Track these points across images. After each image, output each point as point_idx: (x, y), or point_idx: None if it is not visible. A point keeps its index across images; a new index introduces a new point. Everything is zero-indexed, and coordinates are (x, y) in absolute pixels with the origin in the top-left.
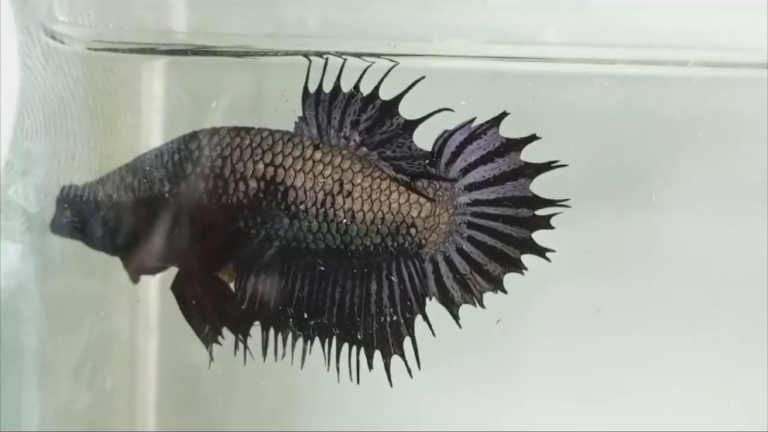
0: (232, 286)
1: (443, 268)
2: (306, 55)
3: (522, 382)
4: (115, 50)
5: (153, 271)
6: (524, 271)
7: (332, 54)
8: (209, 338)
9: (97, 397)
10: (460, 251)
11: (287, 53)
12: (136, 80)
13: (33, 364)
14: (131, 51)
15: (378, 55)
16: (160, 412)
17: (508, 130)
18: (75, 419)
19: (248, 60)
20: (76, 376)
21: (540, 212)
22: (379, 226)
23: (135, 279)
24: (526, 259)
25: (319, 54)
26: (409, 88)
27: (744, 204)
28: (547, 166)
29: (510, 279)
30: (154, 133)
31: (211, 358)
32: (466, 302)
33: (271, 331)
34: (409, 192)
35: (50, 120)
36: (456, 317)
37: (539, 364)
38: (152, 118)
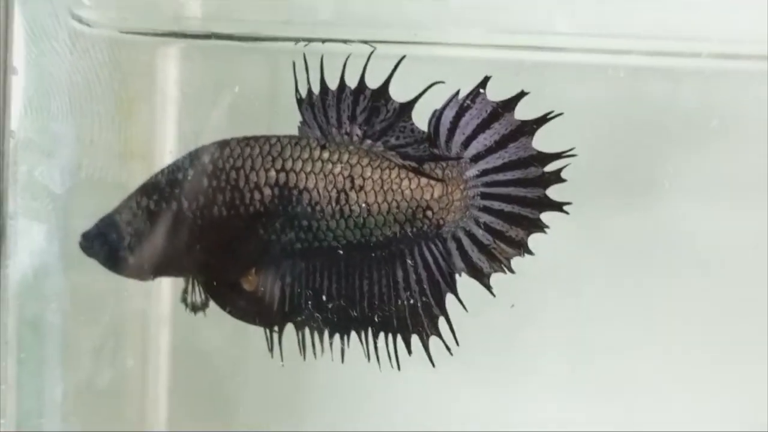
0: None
1: (466, 243)
2: (296, 41)
3: (536, 374)
4: (136, 33)
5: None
6: (546, 229)
7: (321, 40)
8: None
9: (117, 376)
10: (480, 223)
11: (296, 40)
12: (152, 64)
13: (56, 342)
14: (148, 35)
15: (366, 42)
16: (171, 393)
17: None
18: (95, 398)
19: (263, 45)
20: (98, 355)
21: (549, 168)
22: (396, 215)
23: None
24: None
25: (321, 41)
26: (394, 70)
27: (756, 195)
28: (544, 119)
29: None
30: (169, 118)
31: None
32: (495, 271)
33: (307, 330)
34: (419, 177)
35: (76, 103)
36: (488, 287)
37: (552, 354)
38: (167, 102)
